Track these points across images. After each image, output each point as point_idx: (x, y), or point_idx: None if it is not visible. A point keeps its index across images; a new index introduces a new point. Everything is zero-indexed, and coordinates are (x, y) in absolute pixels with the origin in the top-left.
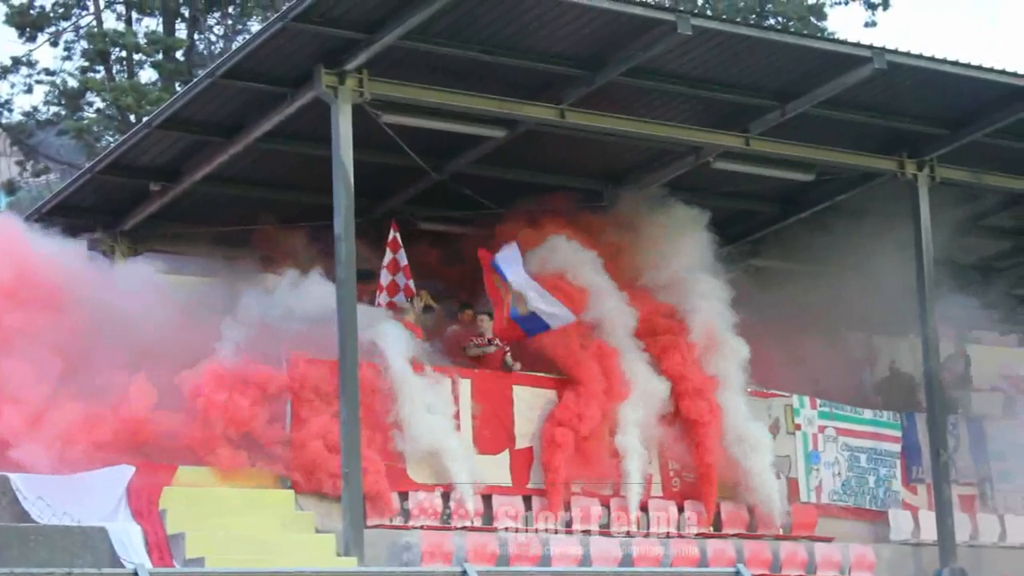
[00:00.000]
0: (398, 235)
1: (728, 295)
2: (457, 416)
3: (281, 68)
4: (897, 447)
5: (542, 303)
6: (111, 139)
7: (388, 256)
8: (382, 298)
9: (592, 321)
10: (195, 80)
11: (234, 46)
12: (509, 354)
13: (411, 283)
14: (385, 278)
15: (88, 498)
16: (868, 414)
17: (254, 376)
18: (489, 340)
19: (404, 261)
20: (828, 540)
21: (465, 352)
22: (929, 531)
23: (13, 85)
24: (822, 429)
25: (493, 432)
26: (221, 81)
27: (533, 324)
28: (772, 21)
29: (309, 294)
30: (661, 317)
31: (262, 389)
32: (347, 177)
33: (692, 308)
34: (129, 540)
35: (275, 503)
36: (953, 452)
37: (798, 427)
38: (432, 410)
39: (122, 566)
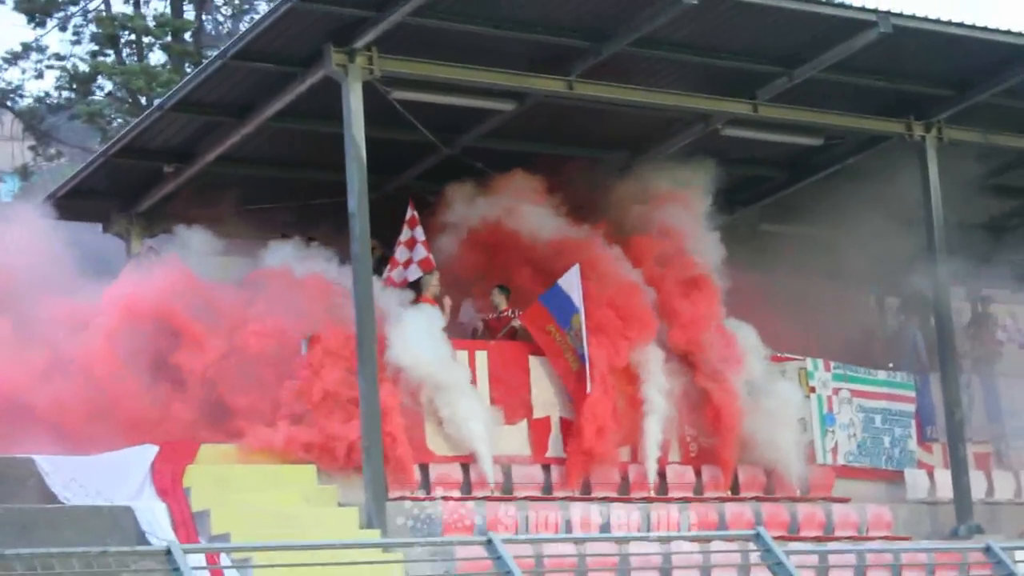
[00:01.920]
0: (416, 212)
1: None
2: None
3: (291, 48)
4: (911, 407)
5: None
6: (123, 122)
7: (406, 233)
8: (395, 273)
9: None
10: (206, 62)
11: (242, 26)
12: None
13: (431, 256)
14: (402, 255)
15: (113, 478)
16: (882, 375)
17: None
18: (499, 317)
19: (422, 236)
20: (845, 501)
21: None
22: (945, 489)
23: (24, 71)
24: (836, 391)
25: (511, 402)
26: (232, 63)
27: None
28: None
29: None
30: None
31: None
32: (359, 154)
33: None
34: (155, 518)
35: (297, 478)
36: (968, 410)
37: (812, 390)
38: (452, 382)
39: (148, 544)
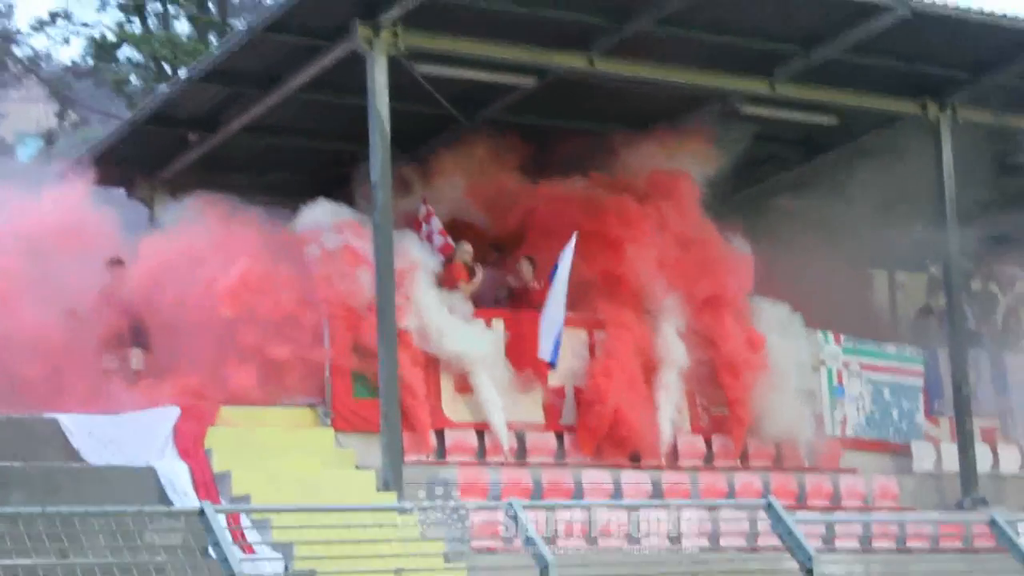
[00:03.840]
0: (428, 207)
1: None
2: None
3: (318, 21)
4: (920, 381)
5: (550, 314)
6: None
7: (424, 230)
8: None
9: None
10: (234, 33)
11: None
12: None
13: (449, 240)
14: (439, 241)
15: (136, 438)
16: (891, 349)
17: None
18: (527, 286)
19: (438, 226)
20: (852, 472)
21: (495, 299)
22: (951, 462)
23: (50, 37)
24: (847, 364)
25: (525, 371)
26: (260, 35)
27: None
28: None
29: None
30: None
31: None
32: (383, 127)
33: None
34: (177, 478)
35: (316, 441)
36: (975, 385)
37: (823, 363)
38: (470, 350)
39: (170, 503)
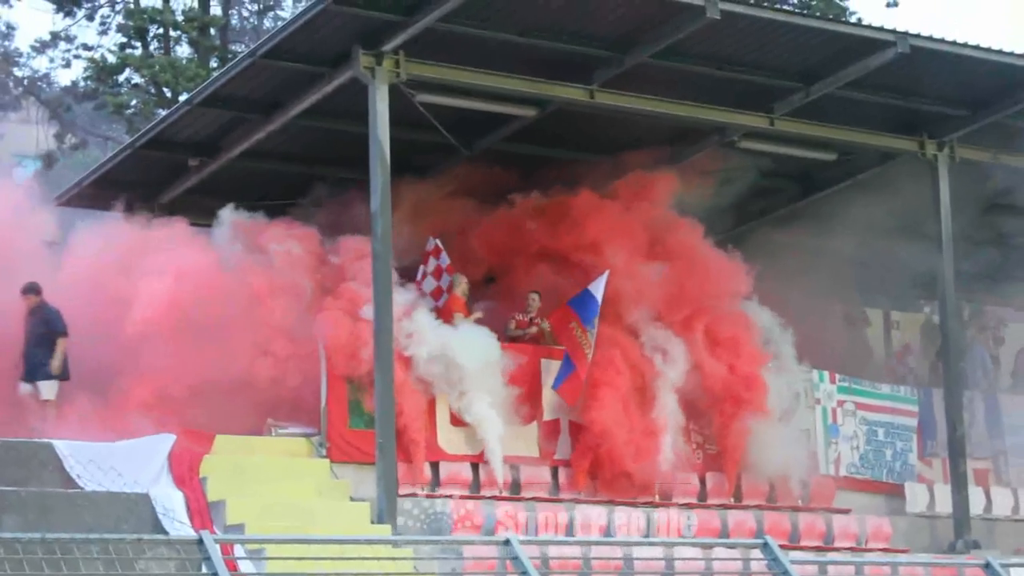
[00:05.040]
0: (437, 241)
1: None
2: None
3: (320, 48)
4: (914, 421)
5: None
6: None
7: (432, 264)
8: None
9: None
10: (235, 59)
11: (267, 22)
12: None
13: (441, 282)
14: (430, 284)
15: (131, 465)
16: (886, 388)
17: None
18: (531, 320)
19: (446, 262)
20: (846, 512)
21: (505, 331)
22: (944, 504)
23: (52, 60)
24: (841, 403)
25: (522, 404)
26: (261, 61)
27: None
28: (796, 2)
29: None
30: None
31: None
32: (383, 155)
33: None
34: (172, 506)
35: (311, 471)
36: (968, 427)
37: (818, 402)
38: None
39: (165, 531)
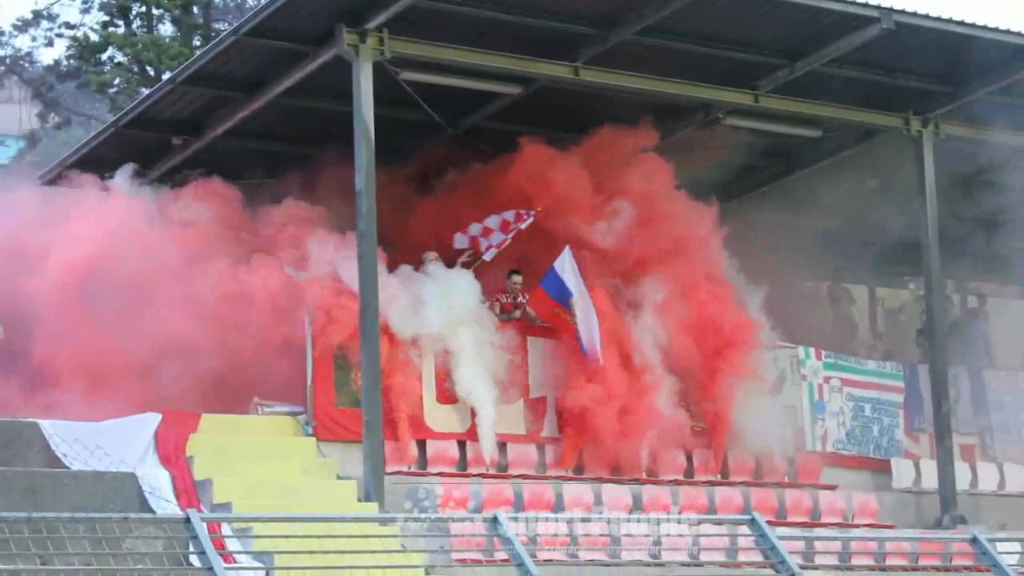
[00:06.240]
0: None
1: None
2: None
3: (303, 27)
4: (900, 397)
5: (584, 325)
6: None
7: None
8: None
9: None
10: (219, 37)
11: (251, 2)
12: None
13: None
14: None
15: (117, 444)
16: (872, 365)
17: None
18: (515, 303)
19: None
20: (832, 488)
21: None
22: (930, 479)
23: (34, 38)
24: (827, 380)
25: (508, 382)
26: (244, 39)
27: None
28: None
29: None
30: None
31: None
32: (368, 133)
33: None
34: (158, 485)
35: (297, 450)
36: (954, 403)
37: (804, 378)
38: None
39: (151, 511)
